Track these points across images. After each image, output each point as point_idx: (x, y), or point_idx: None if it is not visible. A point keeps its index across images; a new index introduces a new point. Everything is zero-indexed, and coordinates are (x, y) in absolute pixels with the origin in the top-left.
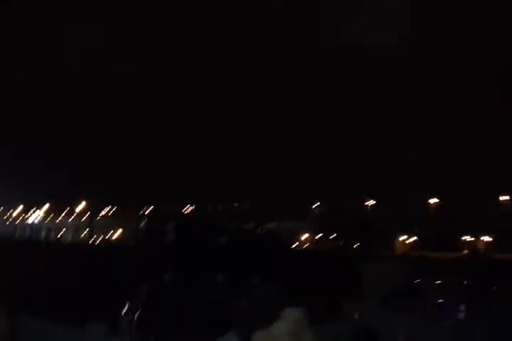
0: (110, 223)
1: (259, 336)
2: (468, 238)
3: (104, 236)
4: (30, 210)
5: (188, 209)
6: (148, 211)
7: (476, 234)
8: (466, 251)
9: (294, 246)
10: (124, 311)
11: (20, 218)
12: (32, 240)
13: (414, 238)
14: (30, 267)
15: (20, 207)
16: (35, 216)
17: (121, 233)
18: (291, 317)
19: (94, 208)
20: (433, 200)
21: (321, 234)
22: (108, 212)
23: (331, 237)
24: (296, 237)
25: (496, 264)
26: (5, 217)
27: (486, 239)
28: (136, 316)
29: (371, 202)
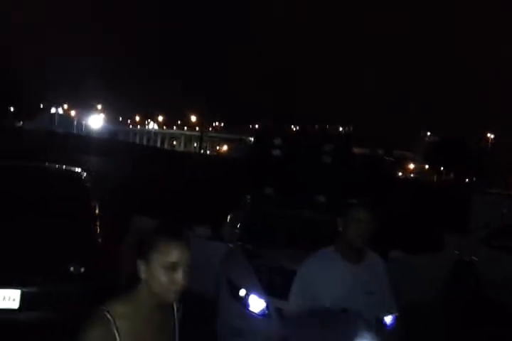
0: (219, 137)
1: None
2: None
3: (213, 149)
4: (146, 120)
5: (295, 127)
6: (255, 126)
7: None
8: None
9: (399, 174)
10: (228, 219)
11: (138, 126)
12: (149, 145)
13: None
14: (147, 170)
15: (137, 117)
16: (152, 125)
17: (229, 147)
18: None
19: (204, 122)
20: None
21: (428, 165)
22: (217, 126)
23: (440, 169)
24: (402, 166)
25: None
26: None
27: None
28: (238, 225)
29: (491, 136)
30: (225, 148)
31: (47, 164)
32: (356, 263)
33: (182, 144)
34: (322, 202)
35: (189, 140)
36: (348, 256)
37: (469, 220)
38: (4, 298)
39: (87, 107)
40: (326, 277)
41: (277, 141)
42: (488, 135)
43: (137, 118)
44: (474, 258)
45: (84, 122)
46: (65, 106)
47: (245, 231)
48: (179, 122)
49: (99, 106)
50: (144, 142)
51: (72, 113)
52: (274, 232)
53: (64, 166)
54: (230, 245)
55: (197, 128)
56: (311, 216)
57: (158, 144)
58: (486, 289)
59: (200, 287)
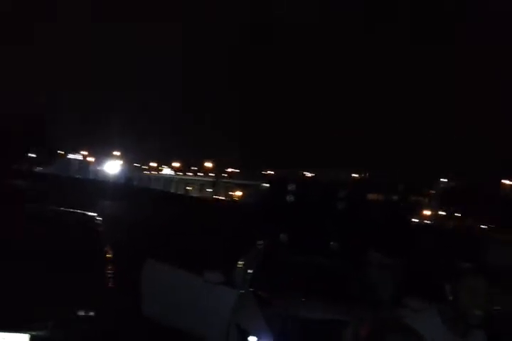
0: (233, 183)
1: None
2: None
3: (227, 194)
4: (161, 166)
5: (308, 174)
6: (269, 172)
7: None
8: None
9: (415, 220)
10: (239, 265)
11: (154, 172)
12: (164, 191)
13: None
14: (161, 215)
15: (154, 163)
16: (167, 171)
17: (243, 193)
18: None
19: (219, 168)
20: None
21: (444, 212)
22: (232, 172)
23: (456, 215)
24: (418, 212)
25: None
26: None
27: None
28: (249, 271)
29: (508, 182)
30: (239, 193)
31: (61, 208)
32: (463, 338)
33: (196, 190)
34: (336, 248)
35: (203, 185)
36: (455, 329)
37: (487, 267)
38: None
39: (105, 153)
40: None
41: (291, 187)
42: (503, 181)
43: (153, 164)
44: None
45: (101, 168)
46: (83, 153)
47: (257, 278)
48: (194, 168)
49: (117, 153)
50: (159, 187)
51: (90, 159)
52: (287, 279)
53: (78, 210)
54: (242, 291)
55: (211, 174)
56: (325, 262)
57: (173, 189)
58: (504, 338)
59: (210, 333)
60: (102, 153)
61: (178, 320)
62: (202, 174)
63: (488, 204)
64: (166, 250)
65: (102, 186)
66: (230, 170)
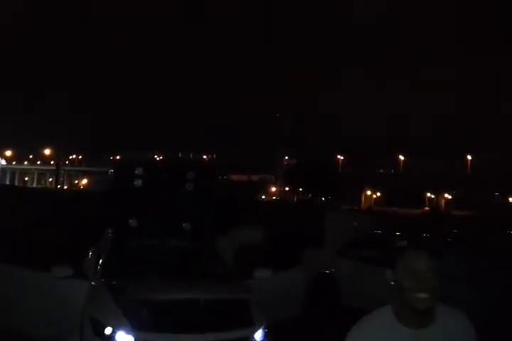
0: (77, 170)
1: None
2: (431, 195)
3: (71, 183)
4: None
5: (158, 157)
6: (116, 157)
7: (439, 192)
8: (427, 208)
9: (263, 197)
10: (89, 255)
11: None
12: None
13: (379, 194)
14: None
15: None
16: None
17: (89, 180)
18: None
19: (60, 155)
20: (402, 157)
21: (288, 187)
22: (75, 159)
23: (298, 190)
24: (265, 189)
25: (453, 221)
26: None
27: (447, 196)
28: (100, 261)
29: (341, 157)
30: (84, 181)
31: None
32: (419, 329)
33: (35, 180)
34: (187, 230)
35: (43, 175)
36: (407, 319)
37: (326, 235)
38: None
39: None
40: None
41: (138, 171)
42: (339, 157)
43: None
44: (333, 270)
45: None
46: None
47: (108, 267)
48: (31, 156)
49: None
50: None
51: None
52: (140, 264)
53: None
54: (93, 283)
55: (52, 162)
56: (177, 244)
57: (8, 181)
58: (346, 298)
59: (63, 331)
60: None
61: (26, 322)
62: (40, 162)
63: (325, 179)
64: (5, 249)
65: None
66: (72, 156)
